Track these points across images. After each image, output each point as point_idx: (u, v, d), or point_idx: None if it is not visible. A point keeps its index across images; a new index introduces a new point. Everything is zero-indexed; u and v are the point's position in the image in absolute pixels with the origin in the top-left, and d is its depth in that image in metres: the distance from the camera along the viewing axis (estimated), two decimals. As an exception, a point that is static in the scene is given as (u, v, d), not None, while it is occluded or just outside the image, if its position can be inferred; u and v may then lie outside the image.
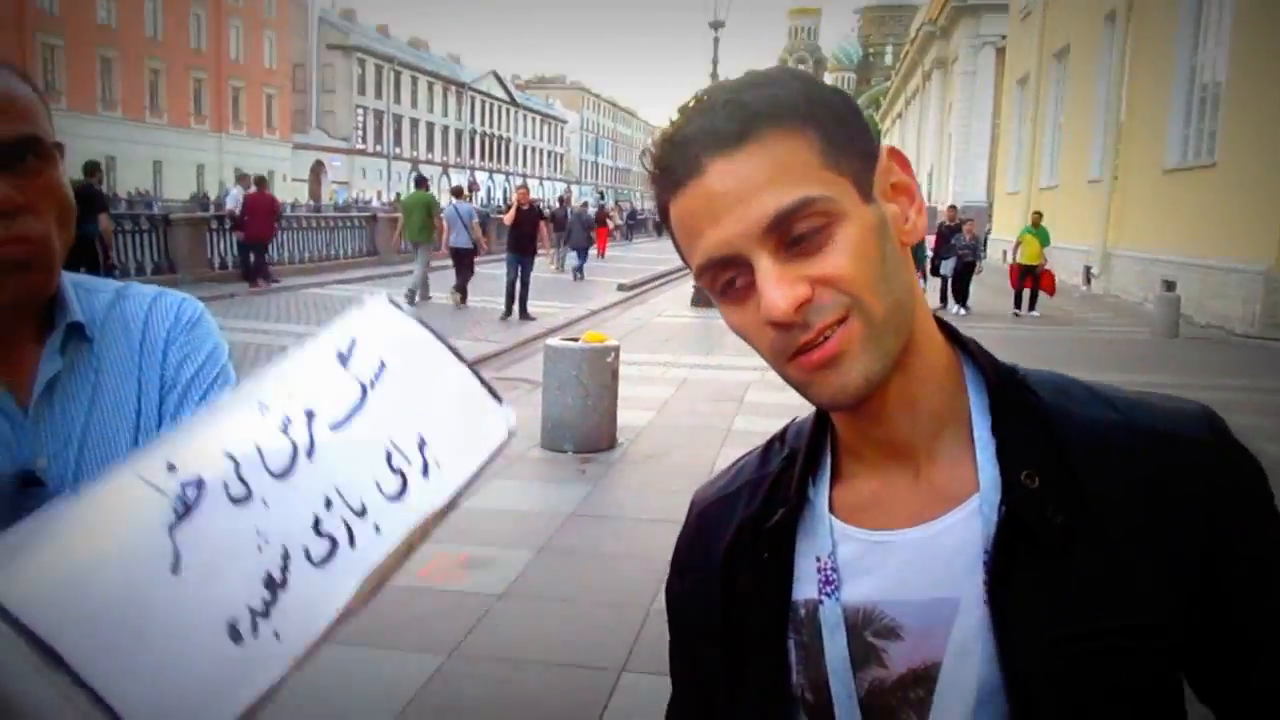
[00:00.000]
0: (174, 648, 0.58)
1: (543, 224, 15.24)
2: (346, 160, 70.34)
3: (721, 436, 7.59)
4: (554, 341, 7.34)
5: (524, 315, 14.33)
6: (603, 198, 60.53)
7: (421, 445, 0.71)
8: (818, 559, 0.82)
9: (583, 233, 24.21)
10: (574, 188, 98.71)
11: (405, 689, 3.58)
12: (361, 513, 0.67)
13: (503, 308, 14.70)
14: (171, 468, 0.63)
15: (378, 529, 0.69)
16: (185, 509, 0.61)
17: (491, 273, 17.18)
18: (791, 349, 0.73)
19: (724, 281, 0.75)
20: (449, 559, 4.86)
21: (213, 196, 43.00)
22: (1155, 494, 0.73)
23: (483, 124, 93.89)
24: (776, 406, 9.09)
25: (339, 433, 0.68)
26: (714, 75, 18.03)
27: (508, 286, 14.50)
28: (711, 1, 17.60)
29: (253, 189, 17.86)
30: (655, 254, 30.74)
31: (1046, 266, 16.72)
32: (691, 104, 0.76)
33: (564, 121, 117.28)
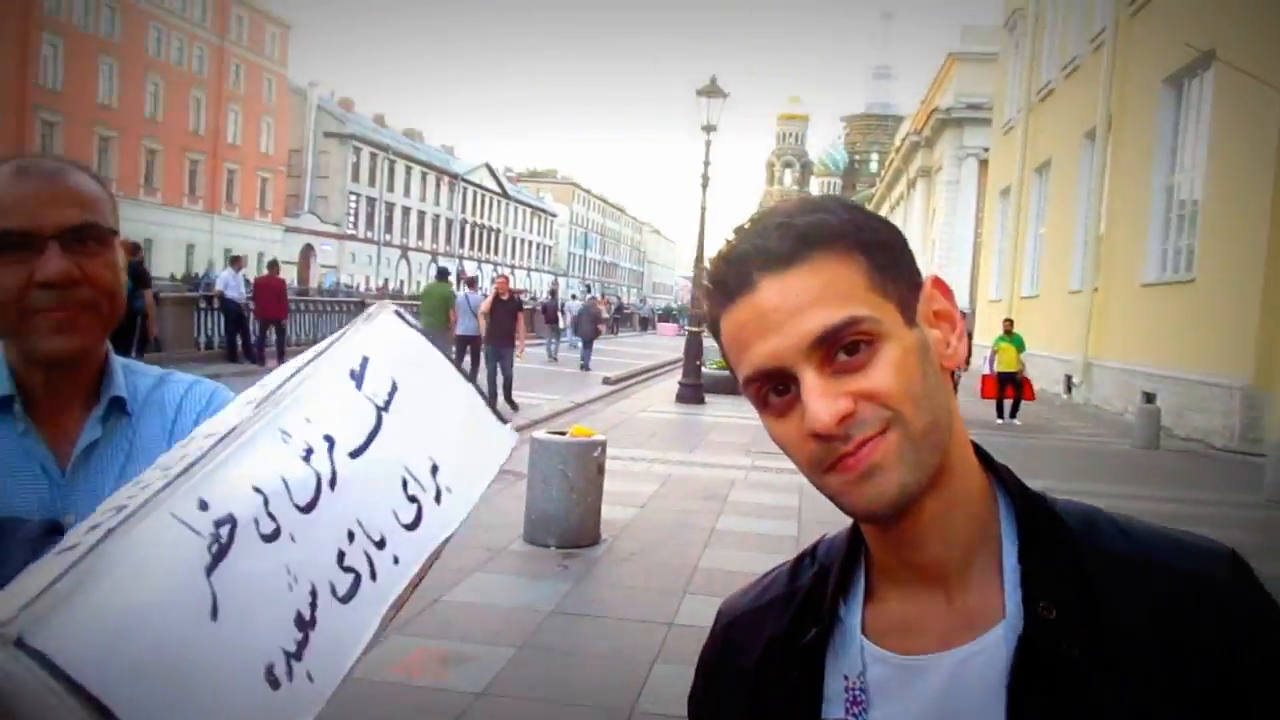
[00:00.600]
0: (217, 697, 0.57)
1: (520, 316, 15.04)
2: (337, 245, 70.88)
3: (705, 535, 7.54)
4: (540, 434, 7.33)
5: (510, 404, 14.27)
6: (589, 291, 61.07)
7: (434, 471, 0.71)
8: (846, 678, 0.83)
9: (590, 324, 25.44)
10: (561, 280, 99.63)
11: (380, 790, 3.48)
12: (381, 544, 0.68)
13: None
14: (204, 505, 0.62)
15: (396, 560, 0.69)
16: (220, 549, 0.61)
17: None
18: (829, 460, 0.75)
19: (769, 393, 0.78)
20: (427, 654, 4.77)
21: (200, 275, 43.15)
22: (1174, 633, 0.74)
23: (474, 214, 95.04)
24: (760, 506, 9.12)
25: (358, 461, 0.68)
26: (705, 176, 18.38)
27: (488, 380, 14.28)
28: (704, 106, 18.01)
29: (264, 272, 18.22)
30: (640, 348, 30.90)
31: (1024, 374, 16.84)
32: (747, 225, 0.80)
33: (554, 215, 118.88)
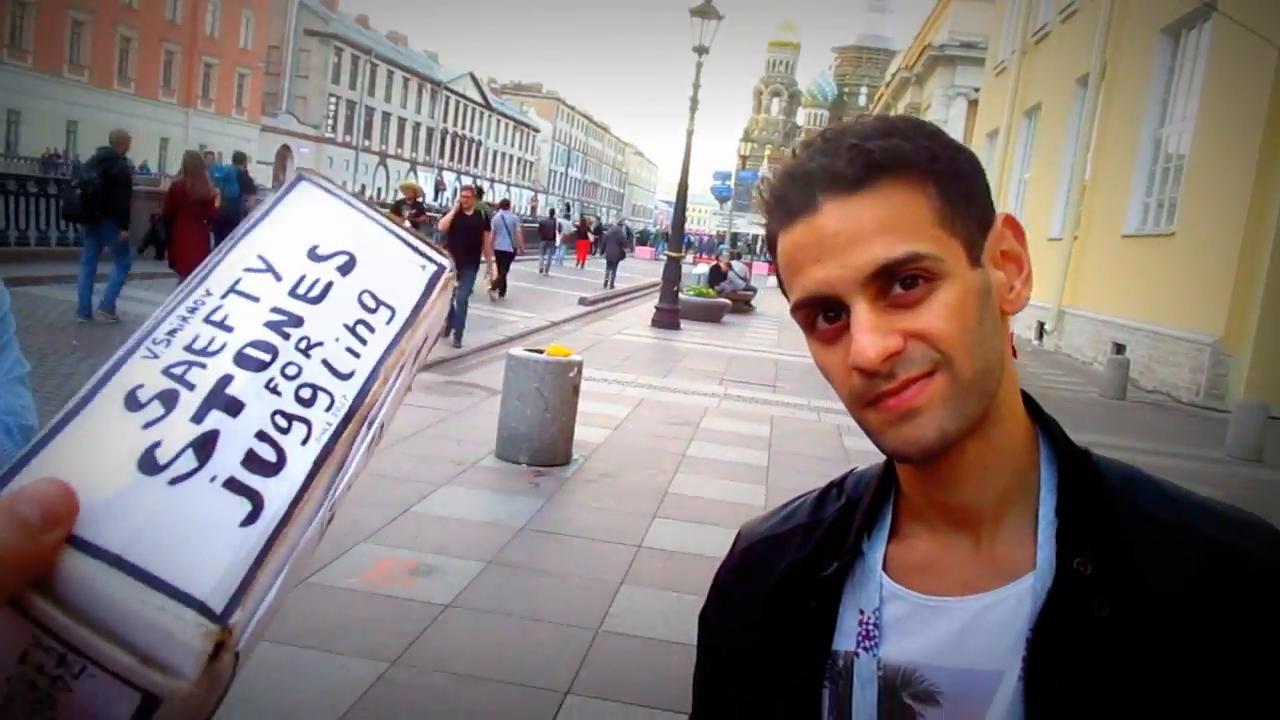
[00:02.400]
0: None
1: (486, 235, 13.14)
2: (315, 148, 69.56)
3: (676, 461, 7.58)
4: (517, 351, 7.29)
5: (457, 340, 12.19)
6: (569, 210, 60.47)
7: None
8: (861, 612, 0.82)
9: (616, 247, 28.70)
10: (541, 197, 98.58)
11: (346, 695, 3.51)
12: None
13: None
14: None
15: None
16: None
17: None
18: (871, 395, 0.73)
19: (818, 317, 0.76)
20: (396, 564, 4.79)
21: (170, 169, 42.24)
22: (1207, 603, 0.72)
23: (455, 124, 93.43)
24: (731, 434, 9.20)
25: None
26: (694, 99, 18.09)
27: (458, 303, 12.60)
28: (698, 27, 17.65)
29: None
30: (620, 270, 30.85)
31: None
32: (818, 141, 0.76)
33: (537, 130, 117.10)
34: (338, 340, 0.55)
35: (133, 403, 0.47)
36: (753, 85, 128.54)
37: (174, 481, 0.46)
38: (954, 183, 0.74)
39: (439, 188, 76.19)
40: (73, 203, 11.06)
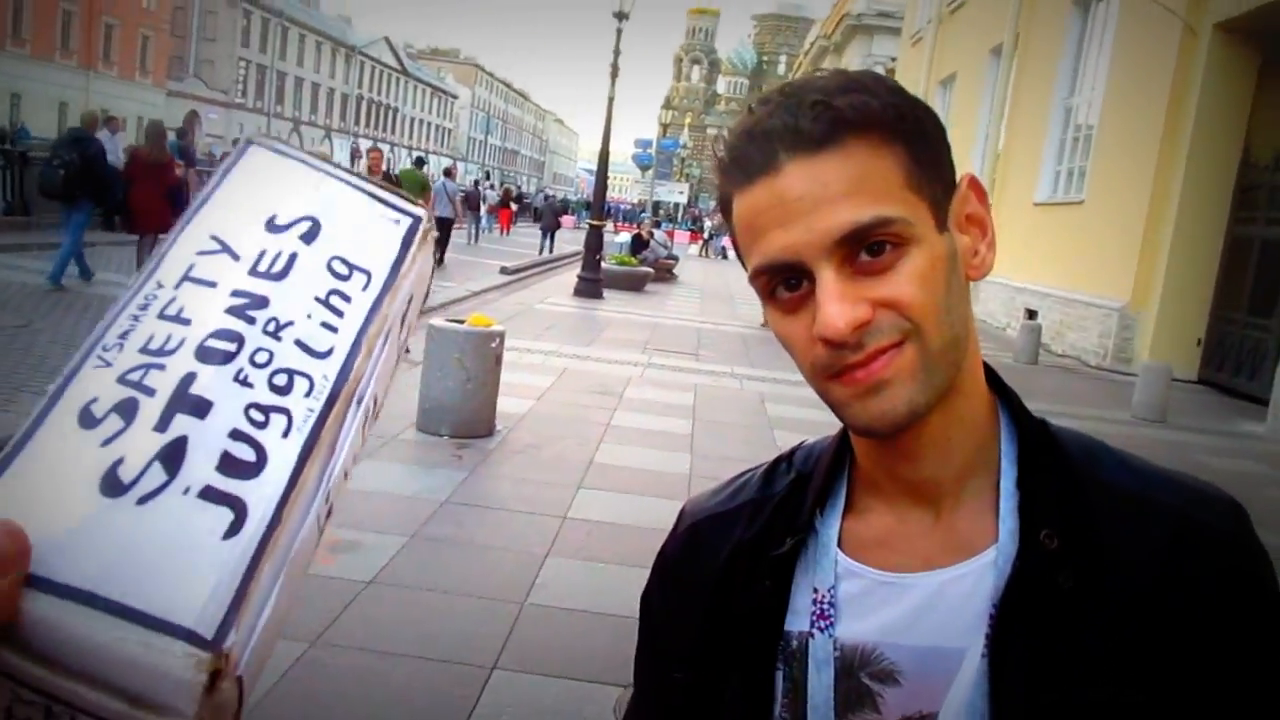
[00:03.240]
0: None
1: None
2: (224, 114, 67.42)
3: (600, 431, 7.56)
4: (438, 322, 7.16)
5: None
6: (489, 178, 59.62)
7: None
8: (815, 590, 0.79)
9: (551, 217, 30.80)
10: (460, 165, 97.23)
11: (265, 677, 3.40)
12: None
13: None
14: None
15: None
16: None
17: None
18: (836, 367, 0.70)
19: (779, 285, 0.71)
20: (316, 540, 4.68)
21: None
22: (1168, 573, 0.71)
23: (371, 90, 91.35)
24: (655, 403, 9.21)
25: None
26: (615, 66, 17.94)
27: None
28: (618, -8, 17.48)
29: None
30: (539, 239, 30.71)
31: None
32: (777, 97, 0.71)
33: (455, 96, 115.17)
34: (310, 317, 0.50)
35: (88, 419, 0.43)
36: (673, 53, 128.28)
37: (142, 500, 0.41)
38: (921, 142, 0.71)
39: (354, 155, 74.57)
40: (54, 182, 11.43)
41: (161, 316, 0.47)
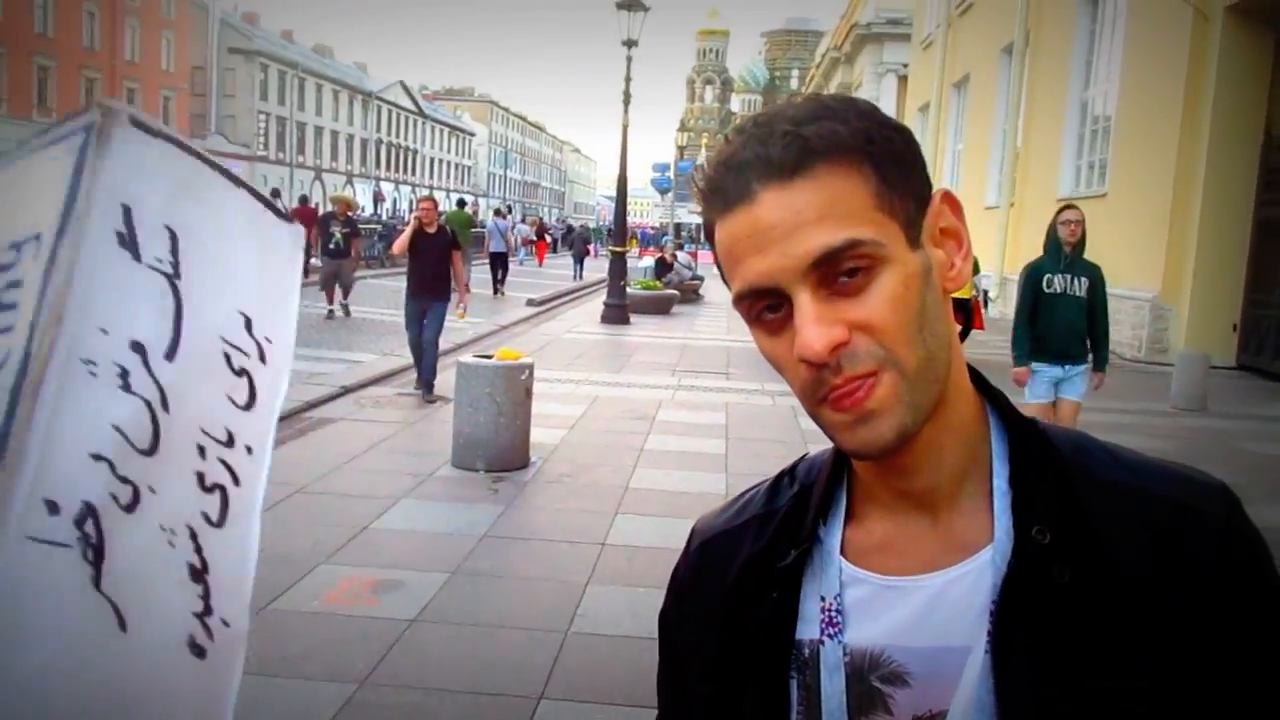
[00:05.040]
0: (153, 700, 0.51)
1: (456, 258, 9.78)
2: (247, 167, 68.36)
3: (635, 456, 7.57)
4: (467, 358, 7.23)
5: (429, 392, 9.41)
6: (510, 211, 59.99)
7: (249, 325, 0.59)
8: (823, 599, 0.81)
9: (580, 245, 33.57)
10: (481, 200, 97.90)
11: (317, 719, 3.45)
12: (230, 442, 0.57)
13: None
14: (54, 508, 0.50)
15: (249, 450, 0.58)
16: (96, 552, 0.51)
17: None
18: (822, 391, 0.72)
19: (762, 310, 0.74)
20: (357, 582, 4.72)
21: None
22: (1164, 563, 0.73)
23: (389, 134, 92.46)
24: (687, 425, 9.19)
25: (177, 361, 0.55)
26: (627, 93, 18.08)
27: (412, 348, 9.77)
28: (625, 20, 17.63)
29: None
30: (563, 269, 30.90)
31: (977, 297, 14.12)
32: (750, 127, 0.74)
33: (472, 134, 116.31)
34: None
35: None
36: (685, 75, 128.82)
37: None
38: (890, 162, 0.73)
39: (378, 199, 75.29)
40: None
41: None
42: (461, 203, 20.68)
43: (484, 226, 21.33)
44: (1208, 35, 13.44)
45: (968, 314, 13.30)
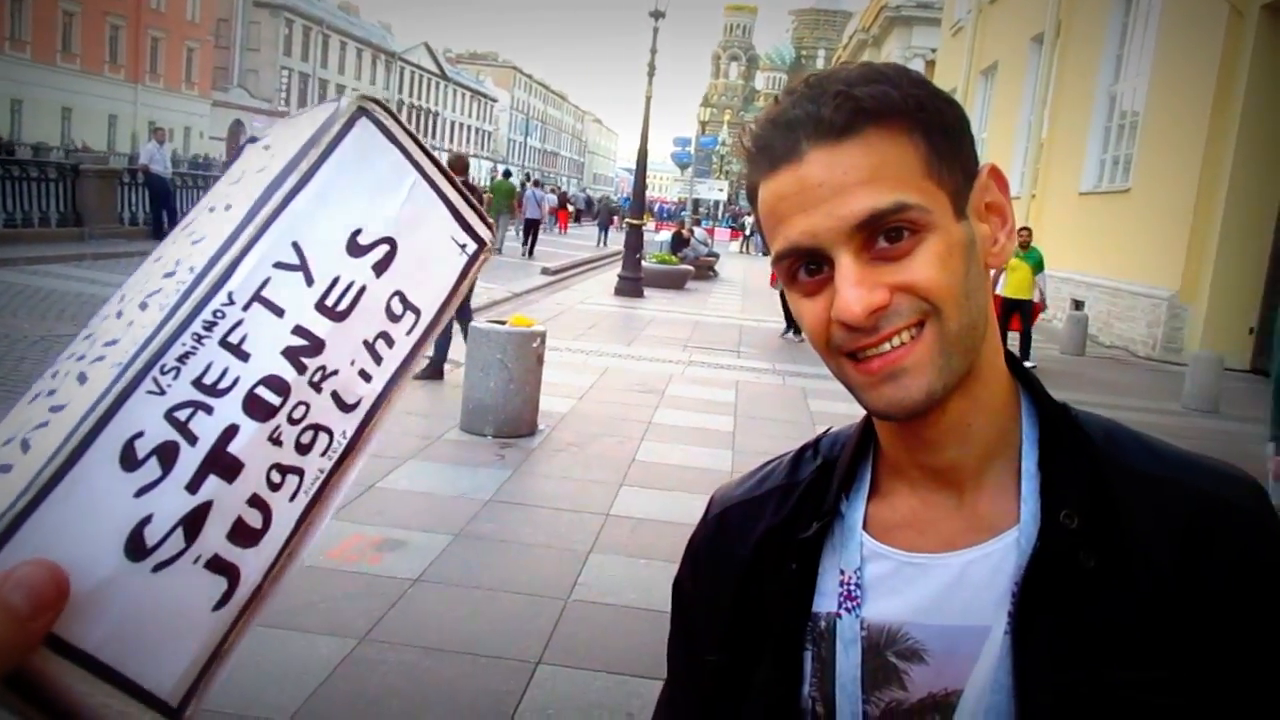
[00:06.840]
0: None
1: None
2: (267, 122, 68.37)
3: (642, 429, 7.58)
4: (479, 323, 7.23)
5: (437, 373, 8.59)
6: (528, 179, 59.81)
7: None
8: (842, 573, 0.81)
9: (606, 214, 37.34)
10: (500, 167, 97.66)
11: (315, 673, 3.48)
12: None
13: None
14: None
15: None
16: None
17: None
18: (850, 346, 0.72)
19: (800, 269, 0.74)
20: (362, 540, 4.75)
21: (125, 150, 41.44)
22: (1190, 553, 0.72)
23: (411, 95, 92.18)
24: (696, 400, 9.20)
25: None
26: (652, 65, 17.96)
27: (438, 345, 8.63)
28: (654, -9, 17.49)
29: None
30: (580, 239, 30.93)
31: (1039, 300, 12.84)
32: (802, 88, 0.74)
33: (494, 99, 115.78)
34: (353, 364, 0.48)
35: (129, 459, 0.42)
36: (711, 51, 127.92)
37: (158, 568, 0.41)
38: (940, 132, 0.73)
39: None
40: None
41: (223, 344, 0.44)
42: (507, 174, 21.32)
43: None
44: (1241, 33, 13.28)
45: (1026, 316, 12.40)
